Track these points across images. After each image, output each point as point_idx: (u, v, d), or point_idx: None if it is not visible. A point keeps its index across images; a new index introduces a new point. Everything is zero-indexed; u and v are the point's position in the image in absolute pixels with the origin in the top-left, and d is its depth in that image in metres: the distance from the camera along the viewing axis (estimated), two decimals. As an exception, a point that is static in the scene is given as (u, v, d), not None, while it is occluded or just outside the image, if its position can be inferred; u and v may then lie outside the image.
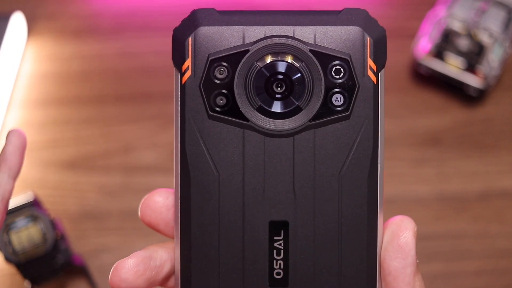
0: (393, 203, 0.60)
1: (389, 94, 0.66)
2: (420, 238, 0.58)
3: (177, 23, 0.30)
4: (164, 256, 0.30)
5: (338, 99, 0.28)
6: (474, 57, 0.63)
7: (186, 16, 0.29)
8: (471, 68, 0.62)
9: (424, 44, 0.64)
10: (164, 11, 0.71)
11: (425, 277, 0.57)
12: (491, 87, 0.64)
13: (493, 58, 0.62)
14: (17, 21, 0.67)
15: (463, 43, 0.63)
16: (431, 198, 0.60)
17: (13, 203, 0.53)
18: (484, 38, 0.63)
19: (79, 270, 0.57)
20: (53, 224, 0.53)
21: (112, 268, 0.29)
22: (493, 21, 0.64)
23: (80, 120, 0.65)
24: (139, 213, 0.31)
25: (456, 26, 0.64)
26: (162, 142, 0.63)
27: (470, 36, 0.63)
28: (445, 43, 0.63)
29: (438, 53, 0.63)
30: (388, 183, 0.61)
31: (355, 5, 0.30)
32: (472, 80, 0.62)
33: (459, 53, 0.63)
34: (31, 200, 0.53)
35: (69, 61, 0.68)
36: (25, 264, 0.52)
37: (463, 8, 0.64)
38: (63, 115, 0.65)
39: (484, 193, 0.61)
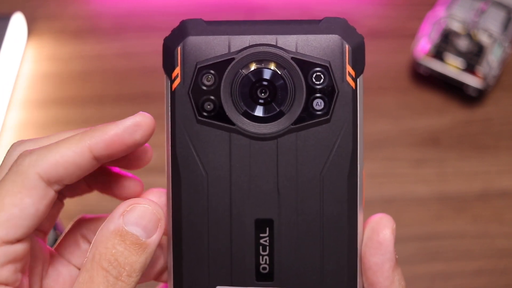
0: (393, 203, 0.60)
1: (388, 94, 0.66)
2: (420, 238, 0.59)
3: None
4: (157, 252, 0.32)
5: (318, 104, 0.29)
6: (473, 57, 0.63)
7: (185, 21, 0.30)
8: (470, 68, 0.62)
9: (423, 44, 0.64)
10: (164, 11, 0.71)
11: (425, 277, 0.57)
12: (491, 87, 0.64)
13: (493, 58, 0.63)
14: (17, 22, 0.67)
15: (463, 43, 0.63)
16: (430, 198, 0.60)
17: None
18: (484, 38, 0.63)
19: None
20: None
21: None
22: (493, 21, 0.64)
23: (80, 120, 0.65)
24: None
25: (456, 26, 0.64)
26: (162, 142, 0.63)
27: (470, 36, 0.64)
28: (445, 43, 0.64)
29: (438, 53, 0.63)
30: (388, 183, 0.61)
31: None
32: (472, 80, 0.62)
33: (459, 53, 0.63)
34: (31, 200, 0.53)
35: (69, 62, 0.68)
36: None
37: (463, 9, 0.65)
38: (63, 115, 0.65)
39: (484, 193, 0.61)
